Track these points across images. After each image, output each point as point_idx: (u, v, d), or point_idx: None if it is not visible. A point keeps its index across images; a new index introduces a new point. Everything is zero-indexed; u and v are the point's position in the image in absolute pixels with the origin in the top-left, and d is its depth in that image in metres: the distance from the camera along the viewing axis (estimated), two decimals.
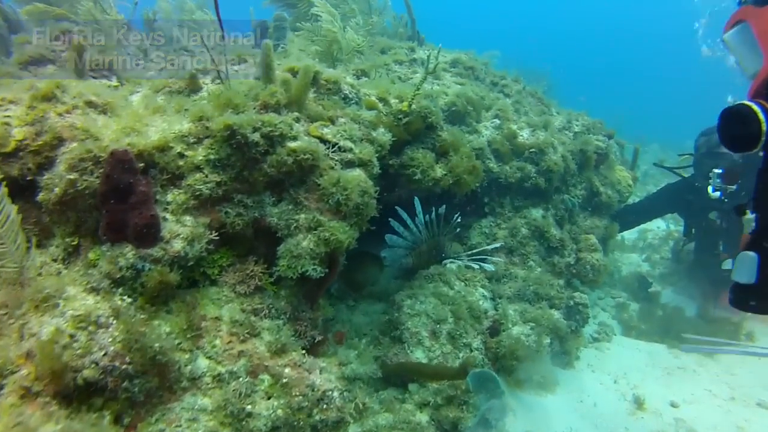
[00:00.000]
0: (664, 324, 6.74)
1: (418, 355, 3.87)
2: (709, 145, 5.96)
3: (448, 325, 4.10)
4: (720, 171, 5.66)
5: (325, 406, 3.02)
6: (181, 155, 3.07)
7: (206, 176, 3.06)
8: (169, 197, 3.03)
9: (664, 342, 6.45)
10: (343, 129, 3.60)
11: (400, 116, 4.10)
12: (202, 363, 2.89)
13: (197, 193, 3.04)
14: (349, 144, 3.54)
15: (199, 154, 3.09)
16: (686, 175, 6.65)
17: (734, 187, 5.63)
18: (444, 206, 4.64)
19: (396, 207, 4.63)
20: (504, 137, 5.36)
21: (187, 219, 3.02)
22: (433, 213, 4.66)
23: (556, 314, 4.88)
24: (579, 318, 5.20)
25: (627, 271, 8.18)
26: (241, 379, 2.90)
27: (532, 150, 5.34)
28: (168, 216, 2.98)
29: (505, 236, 5.26)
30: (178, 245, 2.92)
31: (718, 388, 5.59)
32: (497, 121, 5.50)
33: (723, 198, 5.65)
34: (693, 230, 7.10)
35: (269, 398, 2.91)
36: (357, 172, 3.48)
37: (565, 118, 6.24)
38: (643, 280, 7.36)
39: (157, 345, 2.64)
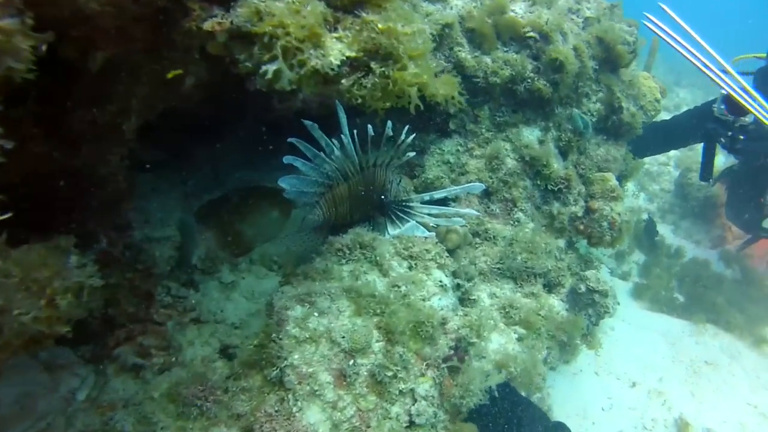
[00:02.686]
0: (682, 286, 5.05)
1: (312, 419, 2.02)
2: None
3: (372, 358, 2.23)
4: None
5: None
6: None
7: None
8: None
9: (683, 316, 4.77)
10: None
11: None
12: None
13: None
14: None
15: None
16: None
17: None
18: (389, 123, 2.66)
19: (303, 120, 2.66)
20: (486, 10, 3.33)
21: None
22: (367, 130, 2.69)
23: (556, 304, 3.04)
24: (593, 312, 3.35)
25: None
26: None
27: (530, 34, 3.32)
28: None
29: (479, 169, 3.32)
30: None
31: (763, 401, 4.00)
32: None
33: None
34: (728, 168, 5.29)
35: None
36: None
37: None
38: (650, 225, 5.61)
39: None
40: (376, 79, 1.59)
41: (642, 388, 3.78)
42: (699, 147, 5.04)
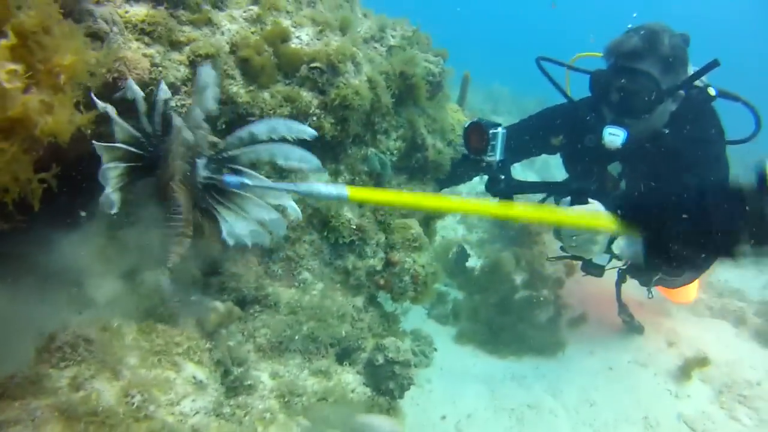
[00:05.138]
0: (492, 320, 4.93)
1: None
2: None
3: None
4: None
5: None
6: None
7: None
8: None
9: (501, 353, 4.65)
10: None
11: None
12: None
13: None
14: None
15: None
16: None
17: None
18: None
19: None
20: (264, 39, 2.85)
21: None
22: None
23: (351, 380, 2.62)
24: (395, 385, 2.93)
25: (441, 236, 6.18)
26: None
27: (316, 65, 2.88)
28: None
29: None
30: None
31: None
32: (254, 9, 2.96)
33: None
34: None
35: None
36: None
37: (375, 24, 3.80)
38: (461, 255, 5.48)
39: None
40: None
41: None
42: None
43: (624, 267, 4.24)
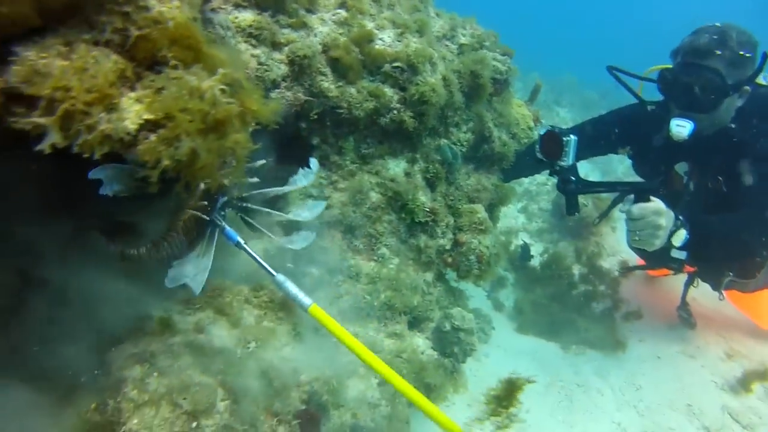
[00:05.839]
0: (550, 311, 5.15)
1: None
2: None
3: (218, 418, 2.07)
4: None
5: None
6: None
7: None
8: None
9: (555, 339, 4.89)
10: None
11: None
12: None
13: None
14: None
15: None
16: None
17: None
18: None
19: None
20: (351, 40, 3.22)
21: None
22: None
23: (421, 344, 2.97)
24: (459, 351, 3.29)
25: (503, 225, 6.42)
26: None
27: (397, 65, 3.24)
28: None
29: (343, 203, 3.20)
30: None
31: (627, 418, 4.11)
32: (342, 13, 3.33)
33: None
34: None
35: None
36: None
37: (447, 24, 4.13)
38: (524, 250, 5.70)
39: None
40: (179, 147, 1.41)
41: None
42: None
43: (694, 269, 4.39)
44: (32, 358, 2.24)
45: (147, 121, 1.37)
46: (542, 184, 7.21)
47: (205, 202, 2.37)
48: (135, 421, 2.00)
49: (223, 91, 1.47)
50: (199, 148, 1.42)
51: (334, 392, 2.52)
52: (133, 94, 1.39)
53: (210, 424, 2.09)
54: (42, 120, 1.26)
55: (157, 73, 1.42)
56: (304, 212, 2.67)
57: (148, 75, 1.42)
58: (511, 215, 6.76)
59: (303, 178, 2.65)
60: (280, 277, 2.26)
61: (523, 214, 6.81)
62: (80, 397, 2.16)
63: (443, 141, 3.54)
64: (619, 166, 8.62)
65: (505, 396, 3.31)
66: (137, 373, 2.15)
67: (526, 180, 7.16)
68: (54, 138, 1.26)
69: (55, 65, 1.28)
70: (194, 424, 2.07)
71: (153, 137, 1.36)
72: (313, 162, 2.71)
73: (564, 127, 3.82)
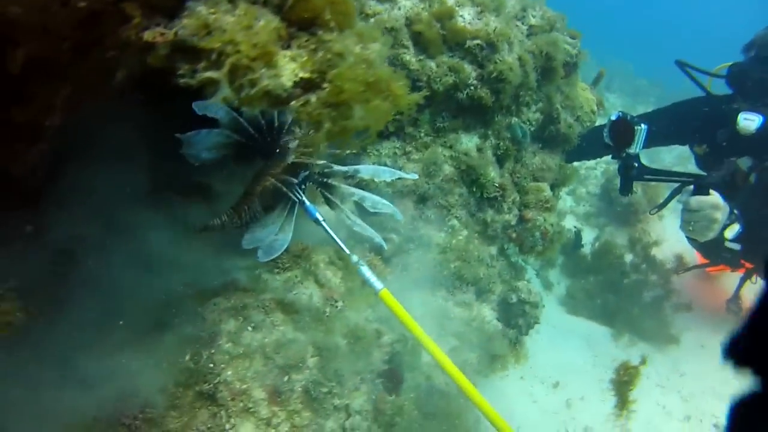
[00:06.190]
0: (603, 296, 5.21)
1: None
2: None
3: (307, 374, 2.18)
4: None
5: None
6: None
7: None
8: None
9: (603, 322, 4.97)
10: None
11: None
12: None
13: None
14: None
15: None
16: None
17: None
18: None
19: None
20: (433, 15, 3.28)
21: None
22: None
23: (488, 314, 3.07)
24: (523, 322, 3.39)
25: None
26: None
27: (477, 42, 3.30)
28: None
29: (416, 174, 3.29)
30: None
31: (670, 401, 4.22)
32: None
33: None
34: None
35: None
36: None
37: (519, 4, 4.16)
38: (577, 237, 5.74)
39: None
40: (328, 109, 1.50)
41: (564, 393, 3.90)
42: None
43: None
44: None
45: (302, 79, 1.47)
46: (591, 168, 7.21)
47: (288, 175, 2.50)
48: (229, 372, 2.13)
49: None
50: (357, 113, 1.51)
51: (413, 353, 2.63)
52: (288, 53, 1.48)
53: (300, 379, 2.22)
54: (215, 74, 1.36)
55: (311, 34, 1.51)
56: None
57: (301, 35, 1.52)
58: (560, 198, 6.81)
59: (387, 173, 2.74)
60: (355, 258, 2.39)
61: (571, 197, 6.83)
62: (172, 343, 2.28)
63: (514, 119, 3.60)
64: (667, 156, 8.54)
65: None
66: (232, 327, 2.27)
67: (575, 163, 7.18)
68: (225, 92, 1.36)
69: (226, 20, 1.38)
70: (285, 378, 2.20)
71: (314, 99, 1.45)
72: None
73: (634, 114, 3.85)
